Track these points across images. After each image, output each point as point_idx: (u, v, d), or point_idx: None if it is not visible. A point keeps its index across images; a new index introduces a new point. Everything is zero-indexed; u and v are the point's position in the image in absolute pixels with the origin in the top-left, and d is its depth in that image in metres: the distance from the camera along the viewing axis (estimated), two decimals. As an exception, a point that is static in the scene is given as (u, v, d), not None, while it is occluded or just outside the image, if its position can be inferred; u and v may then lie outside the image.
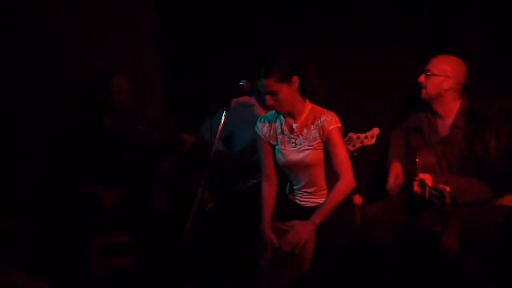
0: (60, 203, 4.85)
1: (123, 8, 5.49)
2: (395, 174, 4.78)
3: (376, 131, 5.04)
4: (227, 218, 4.78)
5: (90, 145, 4.92)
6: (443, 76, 4.79)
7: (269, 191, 4.65)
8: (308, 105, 4.52)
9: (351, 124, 5.06)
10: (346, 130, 4.92)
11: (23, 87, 5.10)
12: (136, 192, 4.98)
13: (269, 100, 4.40)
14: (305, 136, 4.49)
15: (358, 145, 5.04)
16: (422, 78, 4.86)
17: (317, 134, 4.45)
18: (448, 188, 4.34)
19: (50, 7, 5.20)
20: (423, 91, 4.86)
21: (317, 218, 4.40)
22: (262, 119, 4.66)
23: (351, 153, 4.92)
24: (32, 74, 5.14)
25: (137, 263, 4.80)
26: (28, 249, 4.95)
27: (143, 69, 5.53)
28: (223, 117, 4.38)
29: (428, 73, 4.83)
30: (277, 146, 4.59)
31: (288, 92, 4.40)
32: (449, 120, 4.83)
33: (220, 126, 4.37)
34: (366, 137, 5.05)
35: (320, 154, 4.50)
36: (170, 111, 5.64)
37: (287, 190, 4.75)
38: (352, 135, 5.04)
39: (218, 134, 4.39)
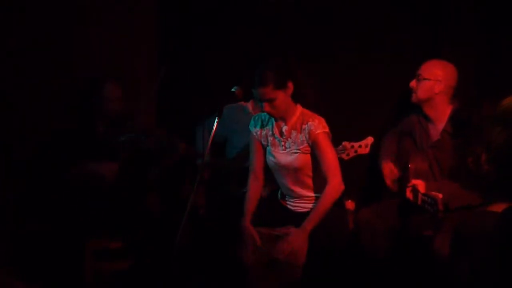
0: (52, 203, 4.87)
1: (119, 15, 5.52)
2: (389, 171, 4.79)
3: (370, 140, 5.04)
4: (221, 224, 4.78)
5: (80, 152, 4.93)
6: (434, 80, 4.81)
7: (254, 188, 4.71)
8: (299, 109, 4.55)
9: (345, 133, 5.11)
10: (340, 138, 4.97)
11: (17, 92, 5.14)
12: (129, 198, 4.99)
13: (266, 107, 4.45)
14: (293, 140, 4.53)
15: (352, 154, 5.05)
16: (413, 83, 4.87)
17: (304, 138, 4.49)
18: (440, 195, 4.37)
19: (46, 13, 5.23)
20: (413, 95, 4.87)
21: (308, 225, 4.41)
22: (256, 118, 4.72)
23: (343, 160, 4.94)
24: (27, 79, 5.17)
25: (130, 268, 4.80)
26: (21, 253, 4.95)
27: (137, 79, 5.56)
28: (215, 124, 4.40)
29: (419, 77, 4.84)
30: (268, 148, 4.64)
31: (283, 98, 4.45)
32: (441, 125, 4.84)
33: (212, 133, 4.39)
34: (360, 146, 5.05)
35: (308, 158, 4.53)
36: (164, 118, 5.66)
37: (279, 196, 4.77)
38: (346, 144, 5.04)
39: (210, 142, 4.40)
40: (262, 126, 4.67)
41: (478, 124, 4.38)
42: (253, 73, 4.45)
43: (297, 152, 4.52)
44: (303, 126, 4.49)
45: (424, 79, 4.82)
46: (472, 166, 4.34)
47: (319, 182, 4.53)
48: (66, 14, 5.30)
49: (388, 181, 4.81)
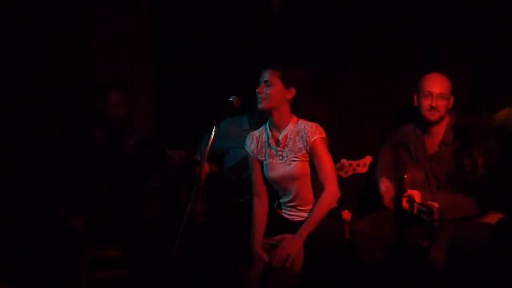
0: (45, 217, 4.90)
1: (117, 23, 5.59)
2: (386, 189, 4.81)
3: (368, 159, 5.07)
4: (218, 233, 4.78)
5: (80, 158, 4.96)
6: (450, 96, 4.86)
7: (260, 208, 4.68)
8: (294, 118, 4.58)
9: (344, 150, 5.13)
10: (339, 156, 5.00)
11: (17, 93, 5.21)
12: (126, 205, 5.00)
13: (261, 87, 4.51)
14: (290, 148, 4.54)
15: (350, 172, 5.07)
16: (437, 102, 4.81)
17: (302, 146, 4.51)
18: (436, 205, 4.40)
19: (44, 21, 5.31)
20: (437, 114, 4.83)
21: (304, 231, 4.41)
22: (250, 136, 4.74)
23: (341, 178, 4.96)
24: (27, 81, 5.25)
25: (127, 276, 4.79)
26: (18, 260, 4.96)
27: (135, 84, 5.60)
28: (212, 133, 4.44)
29: (443, 95, 4.81)
30: (264, 162, 4.65)
31: (279, 93, 4.51)
32: (438, 137, 4.86)
33: (210, 142, 4.42)
34: (358, 165, 5.08)
35: (306, 165, 4.54)
36: (162, 126, 5.71)
37: (275, 205, 4.77)
38: (344, 161, 5.06)
39: (207, 150, 4.43)
40: (257, 143, 4.70)
41: (477, 131, 4.42)
42: (252, 81, 4.53)
43: (295, 160, 4.54)
44: (300, 134, 4.51)
45: (446, 97, 4.83)
46: (469, 168, 4.37)
47: (318, 190, 4.54)
48: (66, 17, 5.38)
49: (386, 200, 4.82)
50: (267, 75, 4.51)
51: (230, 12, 5.71)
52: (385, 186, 4.84)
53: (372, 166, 5.10)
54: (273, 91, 4.50)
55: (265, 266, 4.49)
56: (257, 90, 4.53)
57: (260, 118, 4.82)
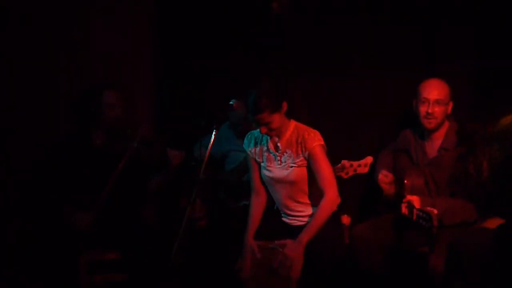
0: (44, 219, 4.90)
1: (118, 24, 5.58)
2: (383, 176, 4.77)
3: (369, 159, 5.05)
4: (218, 237, 4.79)
5: (78, 160, 4.95)
6: (448, 102, 4.83)
7: (256, 204, 4.72)
8: (292, 123, 4.58)
9: (345, 151, 5.13)
10: (340, 157, 4.99)
11: (15, 100, 5.23)
12: (125, 208, 4.99)
13: (263, 130, 4.46)
14: (289, 154, 4.54)
15: (351, 173, 5.05)
16: (433, 109, 4.78)
17: (300, 152, 4.50)
18: (435, 211, 4.37)
19: (45, 22, 5.32)
20: (434, 121, 4.81)
21: (304, 237, 4.40)
22: (249, 136, 4.74)
23: (342, 179, 4.96)
24: (25, 89, 5.26)
25: (126, 280, 4.79)
26: (18, 263, 4.97)
27: (135, 86, 5.60)
28: (212, 137, 4.44)
29: (440, 101, 4.78)
30: (262, 164, 4.65)
31: (279, 118, 4.47)
32: (438, 142, 4.84)
33: (210, 145, 4.42)
34: (359, 165, 5.06)
35: (304, 171, 4.54)
36: (162, 128, 5.71)
37: (274, 208, 4.78)
38: (345, 162, 5.05)
39: (207, 153, 4.43)
40: (256, 144, 4.70)
41: (481, 136, 4.41)
42: (251, 87, 4.48)
43: (293, 166, 4.53)
44: (299, 140, 4.51)
45: (444, 103, 4.80)
46: (473, 172, 4.36)
47: (315, 196, 4.54)
48: (66, 17, 5.39)
49: (384, 185, 4.79)
50: (261, 120, 4.41)
51: (230, 14, 5.69)
52: (383, 174, 4.81)
53: (373, 167, 5.08)
54: (275, 124, 4.44)
55: (255, 263, 4.52)
56: (261, 133, 4.50)
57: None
